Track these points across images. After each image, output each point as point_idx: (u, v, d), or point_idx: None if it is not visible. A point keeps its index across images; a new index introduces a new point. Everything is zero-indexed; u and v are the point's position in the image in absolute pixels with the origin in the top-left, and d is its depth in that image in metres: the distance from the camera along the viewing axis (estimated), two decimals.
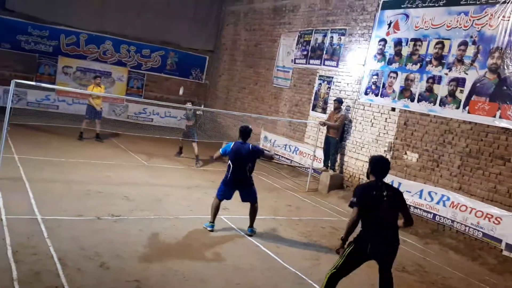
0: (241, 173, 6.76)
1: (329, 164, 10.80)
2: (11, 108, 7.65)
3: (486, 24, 8.13)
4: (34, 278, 4.54)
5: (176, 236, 6.37)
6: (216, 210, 6.89)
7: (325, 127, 10.90)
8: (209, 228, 6.82)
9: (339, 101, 10.67)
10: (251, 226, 6.99)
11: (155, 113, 16.38)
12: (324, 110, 11.77)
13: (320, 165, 11.14)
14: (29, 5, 14.52)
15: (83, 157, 10.22)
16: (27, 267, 4.71)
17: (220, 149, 7.01)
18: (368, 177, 4.91)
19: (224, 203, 8.05)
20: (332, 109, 10.93)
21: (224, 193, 6.92)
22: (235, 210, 8.10)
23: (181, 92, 12.44)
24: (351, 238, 4.81)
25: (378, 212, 4.63)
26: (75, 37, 15.40)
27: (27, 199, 6.82)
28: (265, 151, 7.37)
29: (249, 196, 6.96)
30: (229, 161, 6.76)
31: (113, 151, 11.35)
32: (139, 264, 5.27)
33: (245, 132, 6.87)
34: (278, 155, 13.03)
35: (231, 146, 6.77)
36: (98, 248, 5.47)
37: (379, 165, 4.84)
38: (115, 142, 12.61)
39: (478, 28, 8.26)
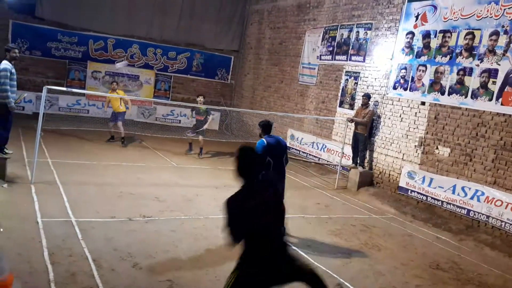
0: (281, 166, 6.48)
1: (358, 161, 10.67)
2: (43, 113, 7.89)
3: None
4: (70, 279, 4.66)
5: (206, 236, 6.42)
6: None
7: (353, 124, 10.78)
8: None
9: (367, 97, 10.52)
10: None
11: (183, 114, 16.54)
12: (351, 106, 11.63)
13: (349, 162, 11.01)
14: (58, 12, 14.89)
15: (114, 159, 10.43)
16: (63, 269, 4.83)
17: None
18: None
19: None
20: (360, 104, 10.78)
21: None
22: None
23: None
24: None
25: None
26: (103, 42, 15.71)
27: (62, 202, 7.01)
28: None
29: (282, 192, 6.65)
30: (268, 159, 6.30)
31: (142, 153, 11.53)
32: (171, 264, 5.33)
33: (269, 125, 6.65)
34: (305, 153, 12.96)
35: (264, 143, 6.38)
36: (131, 249, 5.57)
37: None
38: (144, 144, 12.81)
39: (510, 17, 7.99)
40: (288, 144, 13.48)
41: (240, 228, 3.55)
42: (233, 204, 3.62)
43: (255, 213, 3.57)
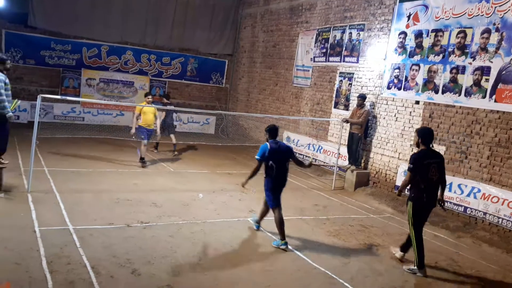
0: (284, 171, 6.60)
1: (353, 161, 10.69)
2: (38, 122, 7.87)
3: (509, 10, 7.92)
4: (69, 287, 4.64)
5: (204, 240, 6.41)
6: (282, 224, 6.47)
7: (348, 124, 10.81)
8: (282, 247, 6.34)
9: (362, 97, 10.55)
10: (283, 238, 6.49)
11: (178, 119, 16.54)
12: (346, 107, 11.67)
13: (345, 163, 11.04)
14: (51, 21, 14.88)
15: (110, 166, 10.41)
16: (62, 277, 4.82)
17: (257, 157, 6.52)
18: (418, 146, 6.13)
19: (250, 205, 8.11)
20: (355, 105, 10.80)
21: (277, 199, 6.61)
22: None
23: None
24: None
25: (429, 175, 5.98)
26: (97, 49, 15.71)
27: (59, 210, 6.99)
28: (296, 155, 7.12)
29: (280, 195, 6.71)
30: (271, 163, 6.45)
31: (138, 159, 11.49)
32: (170, 270, 5.32)
33: (275, 130, 6.71)
34: (301, 154, 12.97)
35: (267, 147, 6.50)
36: (129, 255, 5.56)
37: (428, 135, 6.12)
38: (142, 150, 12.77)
39: (501, 14, 8.06)
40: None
41: (418, 174, 5.93)
42: (417, 159, 5.93)
43: (429, 167, 5.95)
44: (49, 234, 5.96)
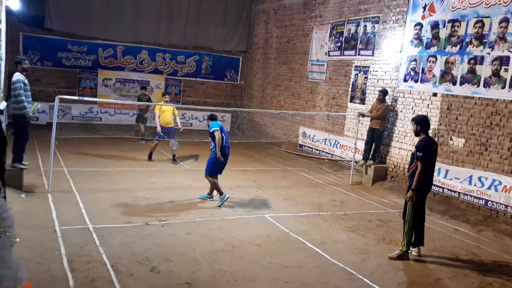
0: (227, 141, 8.25)
1: (370, 156, 10.57)
2: (57, 123, 7.99)
3: None
4: (90, 285, 4.70)
5: (222, 237, 6.43)
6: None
7: (366, 118, 10.68)
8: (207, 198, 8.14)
9: (383, 92, 10.33)
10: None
11: (194, 117, 16.61)
12: (362, 101, 11.55)
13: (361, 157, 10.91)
14: (67, 23, 15.10)
15: (128, 165, 10.51)
16: (83, 275, 4.88)
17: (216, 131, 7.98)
18: (418, 135, 6.28)
19: (266, 201, 8.12)
20: (376, 99, 10.59)
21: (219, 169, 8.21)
22: (278, 208, 8.11)
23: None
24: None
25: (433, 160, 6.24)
26: (113, 49, 15.87)
27: (78, 209, 7.09)
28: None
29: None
30: (222, 135, 8.02)
31: (155, 157, 11.56)
32: (189, 267, 5.35)
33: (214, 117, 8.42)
34: (318, 150, 12.91)
35: (219, 124, 8.15)
36: (148, 253, 5.60)
37: (427, 123, 6.29)
38: (158, 149, 12.85)
39: None
40: (300, 142, 13.54)
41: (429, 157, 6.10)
42: (426, 147, 6.07)
43: (434, 153, 6.23)
44: (69, 233, 6.05)
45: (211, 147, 8.11)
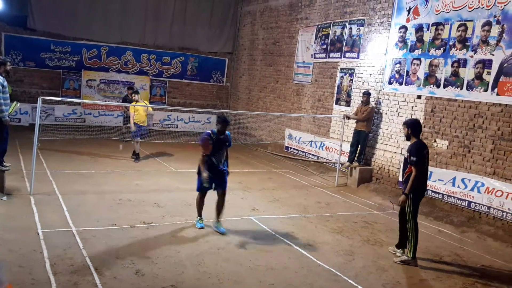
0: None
1: (356, 158, 10.63)
2: (40, 124, 7.86)
3: (509, 1, 7.86)
4: None
5: (208, 239, 6.40)
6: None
7: (352, 120, 10.74)
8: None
9: (367, 94, 10.43)
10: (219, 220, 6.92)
11: (180, 119, 16.53)
12: (347, 103, 11.62)
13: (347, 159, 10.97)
14: (50, 22, 14.87)
15: (112, 167, 10.40)
16: (66, 279, 4.80)
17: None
18: (408, 138, 6.29)
19: (252, 204, 8.09)
20: (361, 102, 10.66)
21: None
22: (264, 210, 8.10)
23: None
24: None
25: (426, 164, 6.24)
26: (97, 50, 15.70)
27: (61, 212, 6.98)
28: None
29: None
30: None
31: (140, 159, 11.48)
32: (174, 269, 5.31)
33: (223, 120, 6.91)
34: (304, 152, 12.94)
35: (209, 132, 6.95)
36: (133, 256, 5.54)
37: (418, 126, 6.32)
38: (142, 150, 12.75)
39: (501, 7, 8.00)
40: (286, 144, 13.57)
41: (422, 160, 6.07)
42: (418, 151, 6.04)
43: (426, 157, 6.19)
44: (52, 236, 5.95)
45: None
